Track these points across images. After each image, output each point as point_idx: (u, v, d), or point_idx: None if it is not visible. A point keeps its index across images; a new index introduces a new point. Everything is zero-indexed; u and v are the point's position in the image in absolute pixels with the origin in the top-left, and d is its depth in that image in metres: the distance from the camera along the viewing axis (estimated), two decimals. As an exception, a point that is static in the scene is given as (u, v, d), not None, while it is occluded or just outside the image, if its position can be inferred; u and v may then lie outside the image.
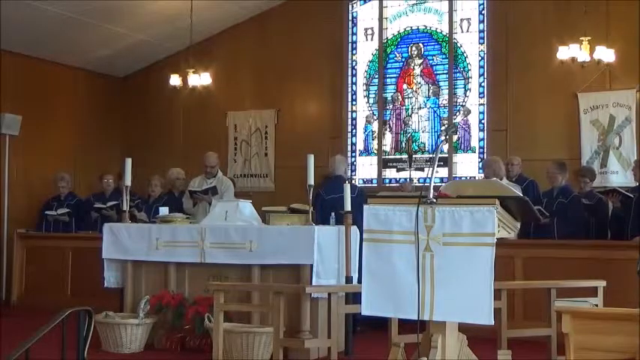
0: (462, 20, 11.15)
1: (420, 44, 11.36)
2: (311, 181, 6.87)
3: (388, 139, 11.48)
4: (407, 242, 4.02)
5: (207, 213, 8.61)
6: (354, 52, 11.74)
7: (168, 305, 6.95)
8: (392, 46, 11.54)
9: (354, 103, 11.70)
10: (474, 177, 10.79)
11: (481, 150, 10.91)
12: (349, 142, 11.65)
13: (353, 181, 10.46)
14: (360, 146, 11.64)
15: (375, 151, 11.50)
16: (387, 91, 11.52)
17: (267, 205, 7.89)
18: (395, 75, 11.52)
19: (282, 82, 11.88)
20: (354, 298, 6.16)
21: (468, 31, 11.11)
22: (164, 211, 7.97)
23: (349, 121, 11.68)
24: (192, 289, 7.08)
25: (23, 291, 10.09)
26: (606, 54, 9.44)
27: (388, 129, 11.49)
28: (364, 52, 11.70)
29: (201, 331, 6.63)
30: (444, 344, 4.06)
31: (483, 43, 10.97)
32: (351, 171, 11.44)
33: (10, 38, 10.35)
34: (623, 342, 3.46)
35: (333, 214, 7.65)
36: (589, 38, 9.38)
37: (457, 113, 11.09)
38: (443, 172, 10.94)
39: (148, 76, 12.74)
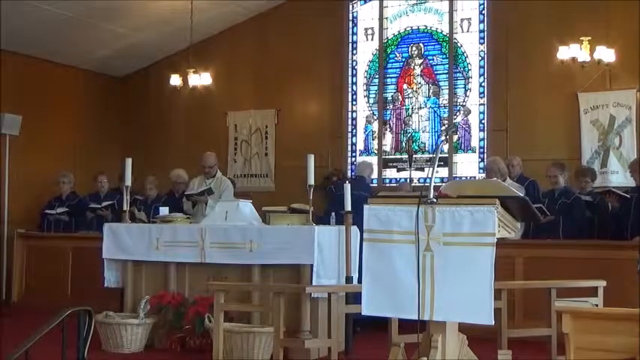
0: (462, 20, 11.15)
1: (421, 44, 11.36)
2: (311, 181, 6.87)
3: (388, 139, 11.48)
4: (407, 242, 4.01)
5: (204, 214, 8.63)
6: (354, 52, 11.74)
7: (169, 305, 6.95)
8: (392, 46, 11.54)
9: (354, 103, 11.70)
10: (474, 177, 10.79)
11: (481, 150, 10.91)
12: (349, 142, 11.65)
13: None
14: (360, 146, 11.64)
15: (376, 151, 11.50)
16: (387, 91, 11.52)
17: (267, 205, 7.89)
18: (395, 75, 11.52)
19: (282, 82, 11.87)
20: (354, 298, 6.15)
21: (468, 31, 11.11)
22: (164, 211, 7.96)
23: (349, 121, 11.68)
24: (192, 289, 7.08)
25: (23, 291, 10.09)
26: (606, 54, 9.44)
27: (388, 129, 11.49)
28: (364, 52, 11.70)
29: (202, 331, 6.62)
30: (444, 344, 4.05)
31: (483, 43, 10.97)
32: (352, 171, 11.44)
33: (10, 38, 10.35)
34: (623, 342, 3.46)
35: (333, 214, 7.66)
36: (589, 38, 9.39)
37: (457, 113, 11.09)
38: (443, 172, 10.94)
39: (148, 76, 12.74)
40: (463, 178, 10.79)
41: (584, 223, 8.36)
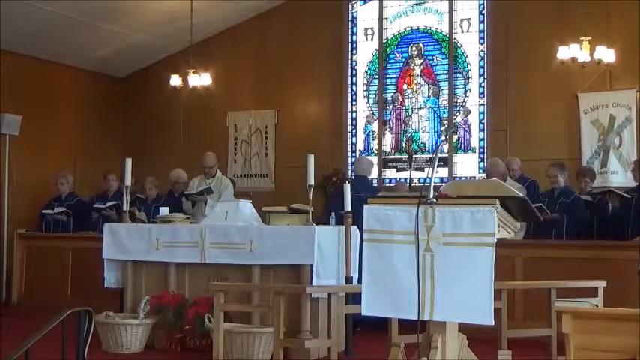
0: (462, 20, 11.16)
1: (420, 44, 11.36)
2: (311, 181, 6.87)
3: (388, 139, 11.49)
4: (407, 242, 4.01)
5: (204, 214, 8.63)
6: (354, 52, 11.75)
7: (169, 305, 6.94)
8: (392, 46, 11.55)
9: (354, 103, 11.70)
10: (474, 177, 10.80)
11: (481, 150, 10.91)
12: (349, 142, 11.65)
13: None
14: (360, 146, 11.64)
15: (375, 152, 11.50)
16: (387, 91, 11.53)
17: (267, 205, 7.89)
18: (395, 75, 11.52)
19: (282, 82, 11.88)
20: (354, 298, 6.15)
21: (468, 31, 11.12)
22: (164, 211, 7.96)
23: (349, 121, 11.69)
24: (192, 289, 7.07)
25: (23, 291, 10.08)
26: (606, 54, 9.44)
27: (388, 129, 11.50)
28: (364, 52, 11.70)
29: (202, 331, 6.62)
30: (444, 344, 4.06)
31: (483, 43, 10.97)
32: (351, 171, 11.44)
33: (10, 38, 10.35)
34: (623, 342, 3.46)
35: (332, 214, 7.66)
36: (589, 38, 9.38)
37: (457, 113, 11.09)
38: (443, 172, 10.95)
39: (148, 76, 12.74)
40: (463, 179, 10.79)
41: (584, 223, 8.37)
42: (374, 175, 11.34)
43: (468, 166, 11.01)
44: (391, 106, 11.50)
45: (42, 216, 10.54)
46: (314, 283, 6.48)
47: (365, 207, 4.18)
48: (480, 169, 10.84)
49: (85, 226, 10.35)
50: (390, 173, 11.41)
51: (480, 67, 10.99)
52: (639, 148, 9.82)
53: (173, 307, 6.93)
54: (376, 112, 11.54)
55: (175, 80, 10.94)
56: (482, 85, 10.95)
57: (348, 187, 7.06)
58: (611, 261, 7.28)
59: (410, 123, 11.37)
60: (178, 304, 6.94)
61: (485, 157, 10.71)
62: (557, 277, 6.78)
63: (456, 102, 11.10)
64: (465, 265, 3.90)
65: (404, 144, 11.25)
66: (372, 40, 11.66)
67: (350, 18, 11.76)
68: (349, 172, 11.33)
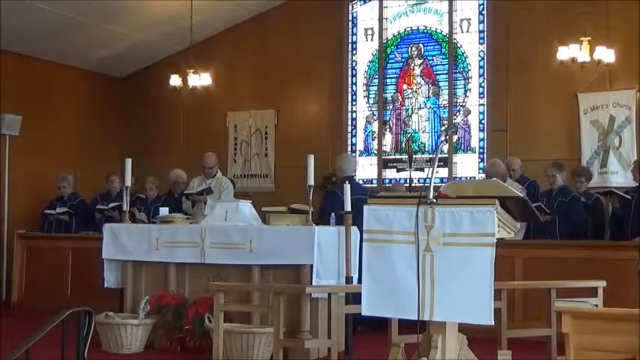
0: (461, 20, 11.16)
1: (420, 44, 11.36)
2: (311, 181, 6.87)
3: (388, 140, 11.48)
4: (407, 242, 4.01)
5: (204, 214, 8.63)
6: (354, 52, 11.75)
7: (169, 305, 6.94)
8: (392, 47, 11.55)
9: (354, 103, 11.70)
10: (474, 177, 10.80)
11: (481, 150, 10.91)
12: (349, 142, 11.65)
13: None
14: (360, 146, 11.64)
15: (375, 152, 11.50)
16: (387, 91, 11.52)
17: (267, 205, 7.88)
18: (395, 75, 11.52)
19: (282, 82, 11.88)
20: (354, 298, 6.15)
21: (467, 31, 11.12)
22: (164, 211, 7.96)
23: (349, 121, 11.68)
24: (192, 290, 7.07)
25: (23, 291, 10.07)
26: (606, 54, 9.45)
27: (388, 129, 11.50)
28: (364, 52, 11.70)
29: (202, 332, 6.61)
30: (444, 344, 4.06)
31: (483, 43, 10.98)
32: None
33: (10, 38, 10.35)
34: (623, 342, 3.46)
35: (332, 214, 7.65)
36: (589, 38, 9.40)
37: (457, 113, 11.09)
38: (443, 172, 10.94)
39: (148, 76, 12.74)
40: (463, 179, 10.79)
41: (581, 222, 8.37)
42: (374, 175, 11.39)
43: (468, 166, 11.01)
44: (391, 106, 11.50)
45: (44, 216, 10.54)
46: (314, 283, 6.48)
47: (365, 207, 4.18)
48: (479, 169, 10.84)
49: (89, 226, 10.34)
50: (390, 173, 11.41)
51: (480, 67, 10.99)
52: (639, 148, 9.82)
53: (173, 307, 6.93)
54: (376, 112, 11.54)
55: (175, 80, 10.94)
56: (482, 85, 10.95)
57: (348, 187, 7.06)
58: (611, 261, 7.29)
59: (410, 123, 11.37)
60: (178, 304, 6.93)
61: (485, 157, 10.71)
62: (557, 277, 6.78)
63: (456, 102, 11.10)
64: (465, 265, 3.90)
65: (404, 144, 11.25)
66: (372, 40, 11.66)
67: (350, 18, 11.76)
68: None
